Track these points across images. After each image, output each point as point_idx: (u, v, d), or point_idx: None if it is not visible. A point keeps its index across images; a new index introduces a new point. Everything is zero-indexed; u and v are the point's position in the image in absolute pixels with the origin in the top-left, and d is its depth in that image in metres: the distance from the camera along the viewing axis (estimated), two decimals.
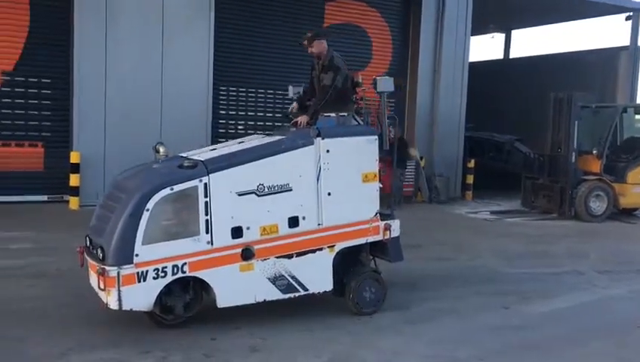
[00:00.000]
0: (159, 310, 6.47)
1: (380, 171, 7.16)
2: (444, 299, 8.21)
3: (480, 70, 21.63)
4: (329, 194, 6.94)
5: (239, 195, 6.55)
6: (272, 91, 16.80)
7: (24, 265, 8.98)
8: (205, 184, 6.39)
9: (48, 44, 14.35)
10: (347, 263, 7.29)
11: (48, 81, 14.51)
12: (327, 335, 6.73)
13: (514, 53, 28.06)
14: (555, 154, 16.10)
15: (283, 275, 6.75)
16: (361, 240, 7.22)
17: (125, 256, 6.09)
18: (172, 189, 6.28)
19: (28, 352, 6.02)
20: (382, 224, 7.27)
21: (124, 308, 6.15)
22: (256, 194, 6.61)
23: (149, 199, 6.18)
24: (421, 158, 17.75)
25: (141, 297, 6.21)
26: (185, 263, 6.32)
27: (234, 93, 16.48)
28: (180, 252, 6.30)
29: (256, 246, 6.60)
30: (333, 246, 7.00)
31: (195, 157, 6.79)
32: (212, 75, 15.50)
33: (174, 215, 6.45)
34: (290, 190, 6.77)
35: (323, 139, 6.92)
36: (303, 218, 6.83)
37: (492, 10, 21.04)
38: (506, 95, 24.59)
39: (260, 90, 16.81)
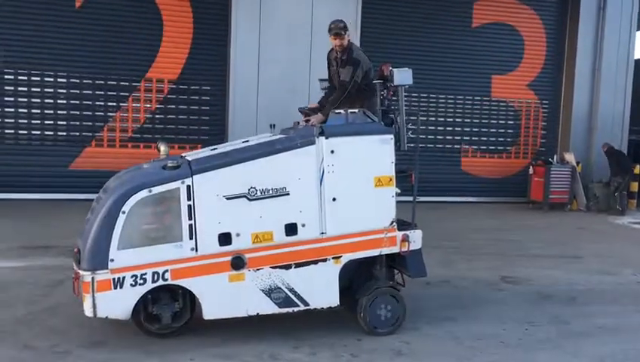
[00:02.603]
0: (145, 318, 5.70)
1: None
2: (606, 316, 7.17)
3: None
4: (334, 199, 5.77)
5: (227, 199, 5.58)
6: (425, 95, 15.65)
7: None
8: (188, 186, 5.53)
9: (208, 53, 14.42)
10: (361, 277, 6.07)
11: (208, 88, 14.56)
12: (476, 344, 6.00)
13: None
14: None
15: (279, 287, 5.71)
16: (373, 252, 5.95)
17: (99, 260, 5.40)
18: (150, 191, 5.50)
19: (188, 341, 5.78)
20: (399, 234, 5.93)
21: (98, 316, 5.46)
22: (247, 198, 5.62)
23: (125, 201, 5.44)
24: (577, 164, 15.66)
25: (117, 305, 5.47)
26: (166, 270, 5.50)
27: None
28: (161, 258, 5.49)
29: (247, 255, 5.62)
30: (340, 257, 5.82)
31: (188, 158, 5.88)
32: None
33: (154, 218, 5.64)
34: (287, 194, 5.70)
35: (327, 138, 5.75)
36: (303, 225, 5.73)
37: None
38: None
39: (410, 95, 15.52)
